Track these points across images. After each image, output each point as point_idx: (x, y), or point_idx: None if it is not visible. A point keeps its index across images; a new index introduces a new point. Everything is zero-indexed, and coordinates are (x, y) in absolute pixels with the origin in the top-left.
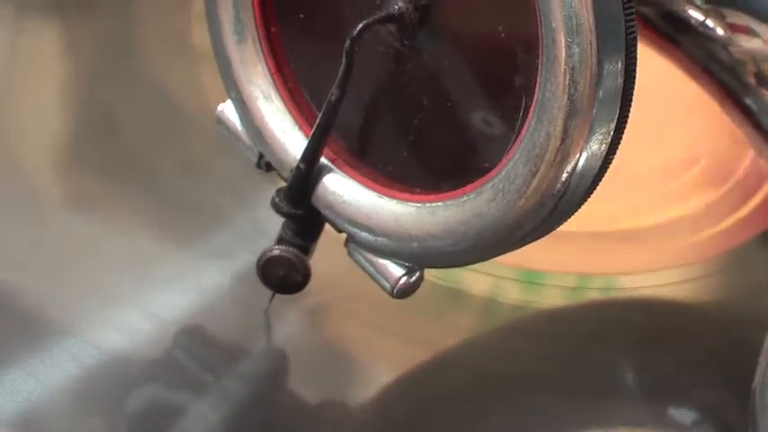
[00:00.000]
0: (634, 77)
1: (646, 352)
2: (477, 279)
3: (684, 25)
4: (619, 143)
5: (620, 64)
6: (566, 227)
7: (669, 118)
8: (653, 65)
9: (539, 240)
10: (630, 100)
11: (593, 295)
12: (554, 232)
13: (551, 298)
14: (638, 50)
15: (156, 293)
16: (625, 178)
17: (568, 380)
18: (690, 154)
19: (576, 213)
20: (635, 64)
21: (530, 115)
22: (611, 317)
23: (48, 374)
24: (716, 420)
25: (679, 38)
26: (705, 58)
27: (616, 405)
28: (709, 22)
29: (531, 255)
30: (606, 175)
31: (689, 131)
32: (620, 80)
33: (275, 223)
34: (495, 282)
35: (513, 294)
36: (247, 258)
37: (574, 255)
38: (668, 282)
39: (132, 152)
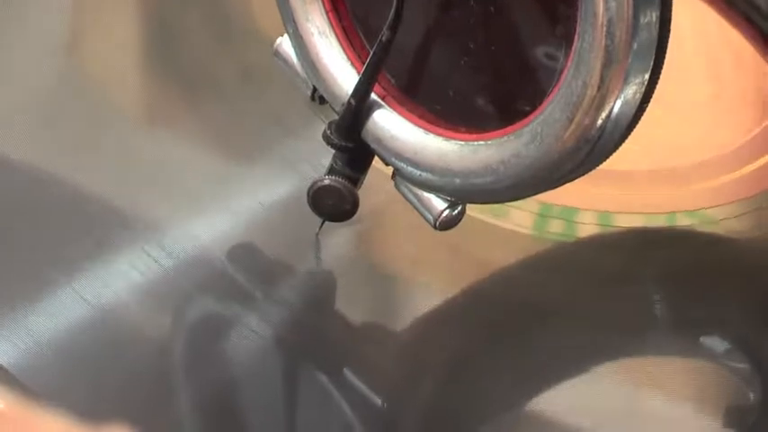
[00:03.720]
0: (669, 30)
1: (679, 287)
2: (517, 214)
3: None
4: (653, 92)
5: (655, 17)
6: (606, 165)
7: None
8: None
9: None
10: (665, 51)
11: (627, 232)
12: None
13: (587, 233)
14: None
15: (209, 212)
16: (665, 118)
17: (600, 313)
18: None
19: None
20: (670, 18)
21: (568, 64)
22: (644, 253)
23: (103, 282)
24: (748, 352)
25: None
26: (743, 5)
27: (647, 337)
28: None
29: (569, 192)
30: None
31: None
32: (655, 33)
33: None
34: (533, 217)
35: (550, 229)
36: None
37: (611, 193)
38: (705, 220)
39: (190, 62)
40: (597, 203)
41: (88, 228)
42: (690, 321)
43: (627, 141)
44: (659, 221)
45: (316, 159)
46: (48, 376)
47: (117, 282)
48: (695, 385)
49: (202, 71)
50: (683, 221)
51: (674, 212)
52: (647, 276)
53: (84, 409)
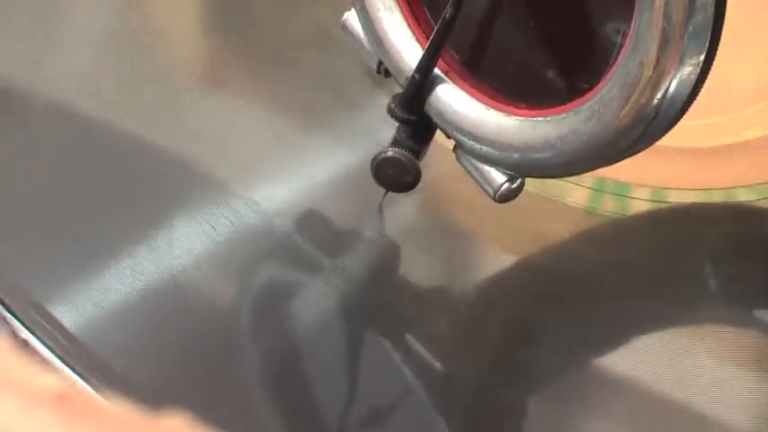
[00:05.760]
0: (724, 12)
1: (734, 263)
2: (573, 190)
3: None
4: (708, 73)
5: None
6: (664, 142)
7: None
8: None
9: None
10: (719, 33)
11: (682, 207)
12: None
13: (641, 208)
14: None
15: (271, 179)
16: (722, 95)
17: (652, 287)
18: None
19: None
20: (725, 0)
21: (626, 44)
22: (698, 228)
23: (166, 251)
24: None
25: None
26: None
27: (699, 310)
28: None
29: (624, 168)
30: (704, 92)
31: None
32: (711, 14)
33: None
34: (590, 193)
35: (607, 206)
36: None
37: (671, 169)
38: (762, 195)
39: (254, 25)
40: (652, 179)
41: (147, 197)
42: (743, 295)
43: (683, 118)
44: (715, 197)
45: (377, 131)
46: (112, 344)
47: (179, 250)
48: (750, 356)
49: (265, 34)
50: (738, 197)
51: (728, 188)
52: (701, 251)
53: (148, 377)
